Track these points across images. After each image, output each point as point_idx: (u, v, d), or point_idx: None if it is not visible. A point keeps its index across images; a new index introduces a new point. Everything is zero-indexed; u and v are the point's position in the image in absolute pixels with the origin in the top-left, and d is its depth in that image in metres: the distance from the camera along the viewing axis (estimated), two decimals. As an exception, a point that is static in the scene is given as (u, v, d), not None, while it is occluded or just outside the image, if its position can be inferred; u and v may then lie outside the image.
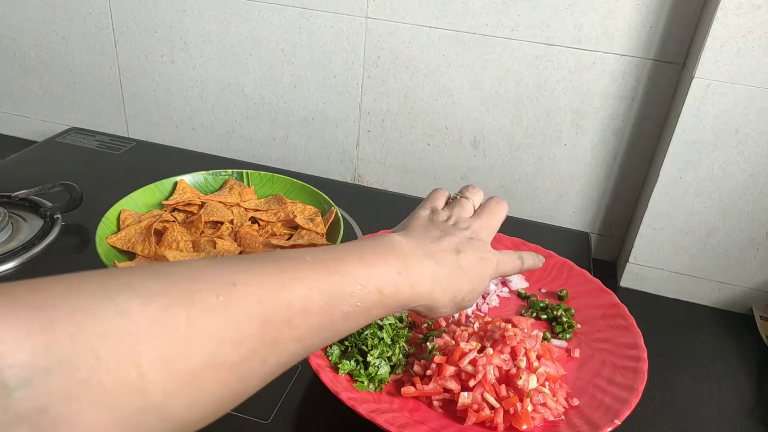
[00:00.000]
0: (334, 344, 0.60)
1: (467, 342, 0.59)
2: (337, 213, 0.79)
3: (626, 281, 0.86)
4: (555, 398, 0.56)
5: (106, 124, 1.10)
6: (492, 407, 0.54)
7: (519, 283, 0.74)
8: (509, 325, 0.61)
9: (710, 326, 0.80)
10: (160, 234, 0.75)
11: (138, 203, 0.80)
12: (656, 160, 0.81)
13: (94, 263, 0.72)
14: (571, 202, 0.92)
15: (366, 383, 0.57)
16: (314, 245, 0.76)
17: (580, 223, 0.93)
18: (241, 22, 0.93)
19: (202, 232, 0.77)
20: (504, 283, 0.74)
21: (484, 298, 0.71)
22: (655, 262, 0.83)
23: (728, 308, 0.83)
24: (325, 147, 1.00)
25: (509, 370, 0.56)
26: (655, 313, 0.82)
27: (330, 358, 0.59)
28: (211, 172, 0.88)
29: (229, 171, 0.88)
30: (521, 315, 0.70)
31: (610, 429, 0.52)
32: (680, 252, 0.81)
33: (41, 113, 1.13)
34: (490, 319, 0.65)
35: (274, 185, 0.87)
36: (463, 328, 0.62)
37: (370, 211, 0.90)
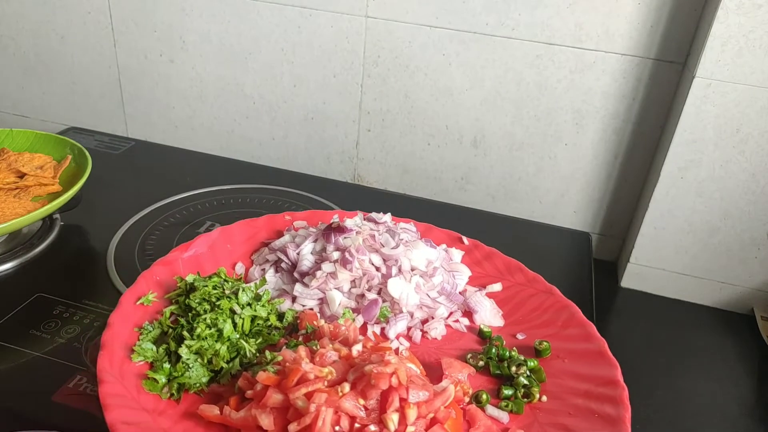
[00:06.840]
0: (156, 321, 0.43)
1: (321, 366, 0.40)
2: (71, 159, 0.77)
3: (627, 281, 0.86)
4: None
5: (105, 123, 1.09)
6: None
7: (490, 317, 0.54)
8: (392, 358, 0.40)
9: (711, 326, 0.80)
10: None
11: None
12: (657, 160, 0.81)
13: (95, 263, 0.72)
14: (571, 201, 0.91)
15: (161, 384, 0.39)
16: (43, 185, 0.74)
17: (580, 223, 0.92)
18: (241, 22, 0.93)
19: None
20: (467, 314, 0.55)
21: (424, 323, 0.51)
22: (657, 262, 0.83)
23: (729, 308, 0.83)
24: (325, 147, 0.99)
25: (366, 426, 0.37)
26: (656, 313, 0.82)
27: (141, 337, 0.40)
28: None
29: None
30: (465, 361, 0.50)
31: None
32: (681, 252, 0.81)
33: (40, 113, 1.13)
34: (388, 345, 0.46)
35: (15, 140, 0.83)
36: (337, 347, 0.43)
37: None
